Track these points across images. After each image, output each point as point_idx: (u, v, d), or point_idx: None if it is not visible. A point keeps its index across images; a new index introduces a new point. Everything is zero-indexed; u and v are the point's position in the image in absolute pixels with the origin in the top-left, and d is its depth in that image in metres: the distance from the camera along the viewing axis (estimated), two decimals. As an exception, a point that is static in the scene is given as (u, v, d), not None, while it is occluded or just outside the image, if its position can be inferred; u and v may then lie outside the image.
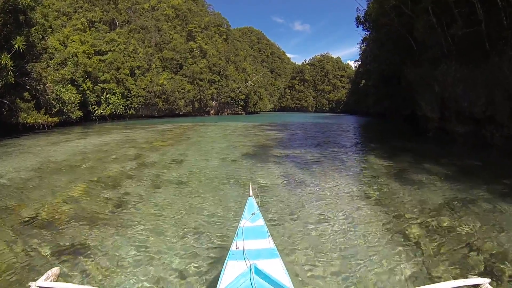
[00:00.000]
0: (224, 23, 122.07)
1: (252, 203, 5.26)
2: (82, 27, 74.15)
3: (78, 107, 50.16)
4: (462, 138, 22.65)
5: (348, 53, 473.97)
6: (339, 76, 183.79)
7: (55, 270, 3.31)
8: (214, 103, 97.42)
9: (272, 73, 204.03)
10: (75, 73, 54.44)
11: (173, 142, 23.16)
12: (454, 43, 23.22)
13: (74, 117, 49.51)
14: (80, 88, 57.53)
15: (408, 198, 8.93)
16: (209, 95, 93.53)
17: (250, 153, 17.51)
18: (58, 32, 62.19)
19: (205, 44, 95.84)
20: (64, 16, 75.33)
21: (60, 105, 42.48)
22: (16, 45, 29.81)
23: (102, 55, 72.85)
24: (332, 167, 13.49)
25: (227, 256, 3.68)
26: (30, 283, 2.94)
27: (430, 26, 24.11)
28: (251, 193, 5.58)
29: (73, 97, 47.20)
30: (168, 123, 52.07)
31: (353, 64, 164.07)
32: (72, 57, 57.53)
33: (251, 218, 4.67)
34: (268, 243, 4.02)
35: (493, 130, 20.07)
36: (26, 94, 34.59)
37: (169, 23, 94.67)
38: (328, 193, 9.58)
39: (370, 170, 12.93)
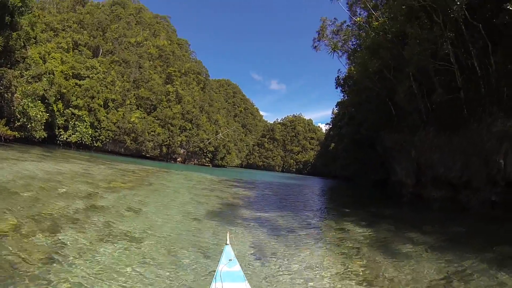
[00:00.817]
0: (204, 72, 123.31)
1: (229, 250, 5.52)
2: (66, 47, 72.81)
3: (43, 127, 47.78)
4: (438, 203, 22.56)
5: (320, 116, 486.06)
6: (309, 138, 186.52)
7: None
8: (182, 151, 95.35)
9: (243, 128, 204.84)
10: (48, 90, 52.42)
11: (133, 186, 20.54)
12: (432, 110, 23.90)
13: (37, 137, 47.12)
14: (50, 108, 55.20)
15: (400, 276, 7.84)
16: (178, 142, 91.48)
17: (216, 211, 15.19)
18: (41, 46, 60.23)
19: (182, 89, 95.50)
20: (51, 31, 74.14)
21: (25, 120, 40.15)
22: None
23: (80, 80, 71.45)
24: (308, 236, 11.81)
25: None
26: None
27: (410, 92, 24.69)
28: (228, 241, 5.90)
29: (40, 115, 45.13)
30: (133, 163, 49.58)
31: (323, 127, 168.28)
32: (49, 74, 55.59)
33: (228, 264, 4.88)
34: (245, 286, 4.24)
35: (469, 195, 20.21)
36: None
37: (151, 62, 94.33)
38: (308, 271, 7.83)
39: (351, 240, 11.45)
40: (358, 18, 34.70)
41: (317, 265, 8.32)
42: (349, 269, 8.09)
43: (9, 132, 35.29)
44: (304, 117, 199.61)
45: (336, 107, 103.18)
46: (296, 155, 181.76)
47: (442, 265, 8.49)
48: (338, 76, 49.64)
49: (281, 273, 7.36)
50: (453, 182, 21.35)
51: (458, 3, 18.65)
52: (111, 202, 13.56)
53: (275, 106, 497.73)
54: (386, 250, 10.02)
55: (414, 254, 9.63)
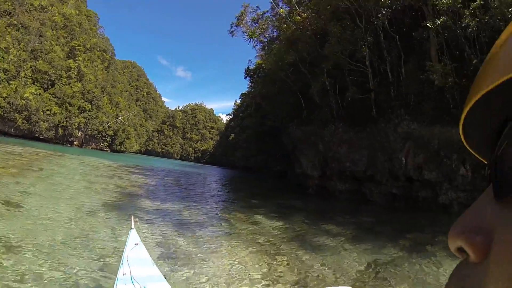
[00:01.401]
0: (110, 50, 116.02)
1: (134, 234, 5.29)
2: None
3: None
4: (343, 195, 24.12)
5: (221, 106, 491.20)
6: (209, 127, 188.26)
7: None
8: (80, 134, 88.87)
9: (144, 113, 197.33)
10: None
11: (18, 172, 16.78)
12: (343, 107, 25.01)
13: None
14: None
15: (327, 271, 7.51)
16: (76, 124, 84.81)
17: (113, 202, 13.18)
18: None
19: (85, 66, 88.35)
20: None
21: None
22: None
23: None
24: (219, 231, 10.92)
25: (116, 282, 3.65)
26: None
27: (323, 88, 25.45)
28: (133, 226, 5.59)
29: None
30: (23, 145, 43.35)
31: (224, 118, 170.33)
32: None
33: (135, 248, 4.67)
34: (154, 269, 4.13)
35: (372, 188, 22.13)
36: None
37: (53, 32, 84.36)
38: (231, 272, 6.84)
39: (267, 235, 10.74)
40: (281, 10, 34.51)
41: (239, 267, 7.23)
42: (275, 270, 7.27)
43: None
44: (206, 106, 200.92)
45: (240, 98, 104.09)
46: (195, 144, 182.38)
47: (363, 255, 8.69)
48: (248, 67, 49.49)
49: (199, 279, 6.22)
50: (358, 176, 22.97)
51: (384, 12, 20.16)
52: None
53: (179, 93, 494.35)
54: (305, 243, 9.78)
55: (334, 246, 9.72)
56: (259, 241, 9.64)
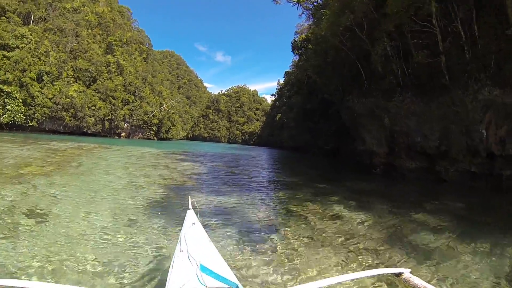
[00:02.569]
0: (147, 41, 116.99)
1: (191, 214, 5.39)
2: (-10, 13, 63.57)
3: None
4: (413, 174, 21.60)
5: (264, 87, 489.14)
6: (254, 109, 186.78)
7: None
8: (125, 125, 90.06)
9: (188, 100, 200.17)
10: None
11: (54, 170, 15.24)
12: (409, 74, 21.88)
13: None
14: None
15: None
16: (121, 116, 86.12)
17: (158, 201, 10.65)
18: None
19: (124, 60, 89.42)
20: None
21: None
22: None
23: (8, 51, 62.65)
24: (295, 232, 7.90)
25: (173, 258, 3.77)
26: None
27: (385, 54, 22.68)
28: (190, 206, 5.76)
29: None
30: (69, 141, 43.87)
31: (269, 98, 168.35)
32: None
33: (192, 227, 4.73)
34: (210, 246, 4.13)
35: (447, 165, 19.42)
36: None
37: (89, 31, 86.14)
38: None
39: (356, 235, 7.84)
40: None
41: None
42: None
43: None
44: (249, 88, 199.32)
45: (283, 77, 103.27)
46: (242, 126, 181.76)
47: (491, 263, 6.28)
48: (294, 39, 47.12)
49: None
50: (430, 152, 20.43)
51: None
52: (7, 201, 8.74)
53: (219, 77, 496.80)
54: (407, 246, 7.21)
55: (443, 247, 7.21)
56: (351, 246, 7.08)
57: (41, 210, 8.27)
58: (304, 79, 50.69)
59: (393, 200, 13.28)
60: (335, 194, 13.89)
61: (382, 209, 11.24)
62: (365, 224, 9.05)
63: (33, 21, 74.91)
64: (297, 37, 48.81)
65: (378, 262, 6.17)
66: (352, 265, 5.95)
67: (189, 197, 6.26)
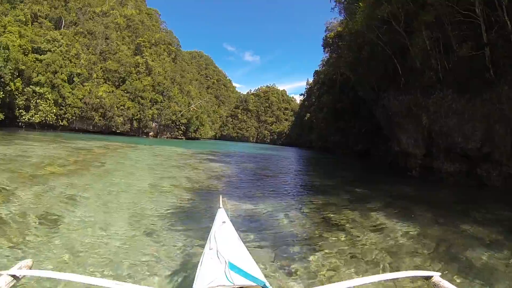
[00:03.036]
0: (175, 42, 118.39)
1: (222, 212, 5.39)
2: (24, 19, 66.25)
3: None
4: (451, 178, 19.86)
5: (293, 87, 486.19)
6: (283, 108, 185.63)
7: (28, 261, 2.80)
8: (154, 125, 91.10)
9: (216, 99, 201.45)
10: (3, 68, 47.73)
11: (75, 170, 14.81)
12: (449, 70, 20.14)
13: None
14: (7, 88, 50.71)
15: None
16: (150, 115, 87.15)
17: (182, 209, 9.49)
18: None
19: (152, 61, 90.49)
20: (8, 4, 67.10)
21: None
22: None
23: (40, 54, 65.11)
24: (334, 247, 6.82)
25: (202, 255, 3.80)
26: (1, 272, 2.54)
27: (423, 48, 21.09)
28: (221, 205, 5.76)
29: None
30: (96, 140, 44.21)
31: (298, 98, 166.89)
32: (3, 48, 50.12)
33: (222, 225, 4.73)
34: (239, 245, 4.11)
35: (489, 169, 17.78)
36: None
37: (118, 33, 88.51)
38: None
39: (403, 250, 6.93)
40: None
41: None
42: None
43: None
44: (278, 88, 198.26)
45: (313, 77, 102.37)
46: (270, 126, 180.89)
47: None
48: (326, 36, 45.71)
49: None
50: (470, 154, 18.71)
51: None
52: (19, 205, 8.09)
53: (248, 77, 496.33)
54: (465, 267, 5.99)
55: (503, 267, 6.09)
56: (396, 263, 6.16)
57: (53, 215, 7.60)
58: (336, 76, 48.90)
59: (436, 207, 11.98)
60: (372, 200, 12.82)
61: (426, 218, 10.06)
62: (409, 237, 7.92)
63: (64, 26, 78.06)
64: (327, 33, 47.96)
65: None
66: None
67: (220, 196, 6.42)
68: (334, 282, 3.85)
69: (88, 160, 19.55)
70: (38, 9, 72.87)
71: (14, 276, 2.60)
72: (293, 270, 5.55)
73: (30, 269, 2.85)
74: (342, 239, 7.49)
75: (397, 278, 4.02)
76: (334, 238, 7.53)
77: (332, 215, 9.91)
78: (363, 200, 12.75)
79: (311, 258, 6.15)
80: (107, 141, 42.18)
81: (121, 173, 15.71)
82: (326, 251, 6.55)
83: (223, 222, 4.87)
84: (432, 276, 2.82)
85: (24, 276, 2.72)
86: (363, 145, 44.34)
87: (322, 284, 3.57)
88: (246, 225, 8.09)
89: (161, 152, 32.73)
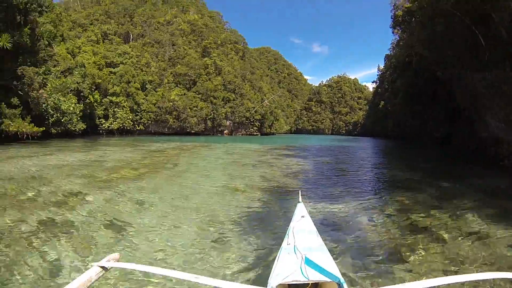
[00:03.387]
0: (241, 40, 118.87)
1: (301, 207, 5.46)
2: (96, 39, 71.93)
3: (79, 119, 47.44)
4: None
5: (364, 75, 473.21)
6: (356, 98, 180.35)
7: (115, 255, 3.10)
8: (228, 123, 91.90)
9: (289, 93, 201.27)
10: (81, 83, 51.34)
11: (146, 173, 14.74)
12: None
13: (77, 129, 46.80)
14: (87, 100, 54.73)
15: None
16: (223, 114, 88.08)
17: (255, 213, 8.31)
18: (71, 42, 59.24)
19: (221, 61, 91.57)
20: (80, 28, 73.46)
21: (58, 115, 39.66)
22: (0, 43, 27.72)
23: (114, 67, 70.03)
24: (430, 267, 5.31)
25: (280, 250, 3.80)
26: (92, 263, 2.90)
27: (510, 14, 17.07)
28: (300, 199, 5.88)
29: (73, 107, 44.12)
30: (171, 141, 45.59)
31: (370, 86, 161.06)
32: (80, 67, 53.42)
33: (301, 220, 4.75)
34: (317, 240, 4.07)
35: None
36: (14, 100, 31.79)
37: (184, 38, 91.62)
38: None
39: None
40: None
41: None
42: None
43: (35, 129, 34.16)
44: (349, 77, 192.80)
45: (384, 61, 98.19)
46: (345, 116, 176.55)
47: None
48: (395, 14, 42.25)
49: None
50: None
51: None
52: (90, 209, 8.18)
53: (318, 68, 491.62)
54: None
55: None
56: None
57: (121, 221, 7.33)
58: (411, 57, 43.62)
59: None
60: (463, 197, 10.60)
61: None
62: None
63: (132, 39, 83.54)
64: (395, 12, 45.27)
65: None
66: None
67: (299, 190, 6.65)
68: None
69: (160, 162, 19.56)
70: (107, 28, 79.39)
71: (103, 268, 2.91)
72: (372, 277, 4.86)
73: (118, 261, 3.11)
74: (435, 250, 6.05)
75: (483, 280, 3.75)
76: (422, 246, 6.19)
77: (419, 217, 8.17)
78: (453, 198, 10.66)
79: (394, 268, 5.25)
80: (181, 142, 43.04)
81: (194, 174, 15.20)
82: (418, 267, 5.30)
83: (302, 216, 4.89)
84: None
85: (112, 267, 3.02)
86: (444, 131, 40.61)
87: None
88: (323, 234, 6.09)
89: (235, 150, 31.68)
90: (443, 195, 11.03)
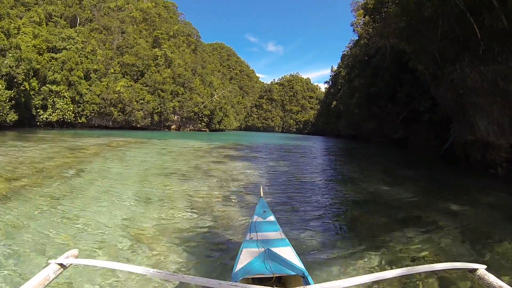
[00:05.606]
0: (194, 33, 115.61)
1: (263, 202, 5.44)
2: (39, 20, 65.55)
3: (10, 108, 43.27)
4: None
5: (317, 75, 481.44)
6: (308, 97, 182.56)
7: (74, 251, 2.77)
8: (176, 117, 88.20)
9: (240, 90, 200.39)
10: (14, 68, 46.46)
11: (23, 186, 9.65)
12: None
13: (8, 120, 42.77)
14: (22, 87, 49.99)
15: None
16: (171, 108, 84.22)
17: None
18: (7, 20, 52.84)
19: (171, 52, 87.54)
20: (22, 7, 67.11)
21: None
22: None
23: (56, 53, 63.87)
24: None
25: (242, 245, 3.72)
26: (50, 261, 2.57)
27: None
28: (262, 194, 5.97)
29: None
30: (109, 136, 40.81)
31: (322, 86, 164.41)
32: (15, 48, 47.98)
33: (263, 215, 4.74)
34: (279, 234, 4.06)
35: None
36: None
37: (134, 27, 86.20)
38: None
39: None
40: None
41: None
42: None
43: None
44: (302, 76, 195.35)
45: (340, 60, 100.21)
46: (296, 115, 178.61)
47: None
48: (361, 3, 41.21)
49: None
50: None
51: None
52: None
53: (272, 68, 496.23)
54: None
55: None
56: None
57: None
58: (383, 49, 40.21)
59: None
60: (482, 224, 7.78)
61: None
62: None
63: (79, 23, 77.43)
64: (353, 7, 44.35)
65: None
66: None
67: (261, 185, 6.48)
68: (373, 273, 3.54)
69: (64, 166, 14.07)
70: (52, 9, 72.14)
71: (61, 265, 2.59)
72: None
73: (76, 258, 2.78)
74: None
75: (438, 270, 3.64)
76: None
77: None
78: (453, 217, 8.21)
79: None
80: (118, 137, 38.54)
81: (90, 192, 9.51)
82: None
83: (263, 211, 4.91)
84: (477, 269, 2.52)
85: (70, 264, 2.66)
86: (401, 133, 40.47)
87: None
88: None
89: (173, 149, 26.73)
90: (451, 220, 7.91)
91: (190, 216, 7.61)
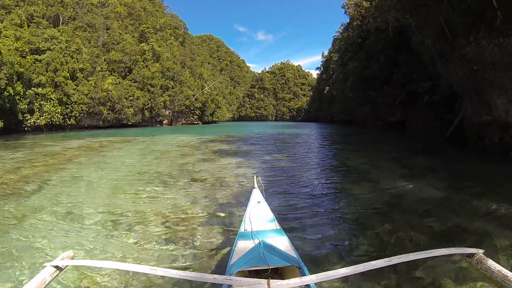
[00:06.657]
0: (182, 26, 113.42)
1: (257, 193, 5.31)
2: (20, 22, 63.22)
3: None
4: None
5: (308, 62, 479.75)
6: (300, 84, 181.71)
7: (69, 253, 2.85)
8: (167, 112, 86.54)
9: (231, 81, 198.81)
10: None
11: None
12: None
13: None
14: (5, 93, 48.11)
15: None
16: (162, 103, 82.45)
17: None
18: None
19: (159, 46, 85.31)
20: (2, 9, 64.61)
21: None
22: None
23: (39, 55, 61.63)
24: None
25: (237, 237, 3.74)
26: (46, 264, 2.63)
27: None
28: (255, 185, 5.68)
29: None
30: (95, 136, 39.32)
31: (314, 73, 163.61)
32: None
33: (257, 206, 4.67)
34: (274, 225, 4.05)
35: None
36: None
37: (119, 22, 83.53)
38: None
39: None
40: None
41: None
42: None
43: None
44: (293, 64, 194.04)
45: (332, 44, 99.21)
46: (289, 103, 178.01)
47: None
48: None
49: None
50: None
51: None
52: None
53: (262, 57, 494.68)
54: None
55: None
56: None
57: None
58: (381, 26, 37.06)
59: None
60: (500, 215, 6.87)
61: None
62: None
63: (62, 22, 74.77)
64: None
65: None
66: None
67: (255, 175, 6.11)
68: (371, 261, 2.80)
69: (33, 176, 12.33)
70: (33, 9, 69.08)
71: (57, 267, 2.61)
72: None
73: (72, 259, 2.81)
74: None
75: (436, 256, 3.28)
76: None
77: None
78: (480, 213, 7.11)
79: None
80: (105, 137, 36.86)
81: (59, 207, 8.05)
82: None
83: (257, 202, 4.83)
84: (475, 254, 2.55)
85: (66, 266, 2.71)
86: (399, 116, 39.44)
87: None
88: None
89: (158, 147, 24.56)
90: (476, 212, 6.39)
91: (165, 248, 5.47)
